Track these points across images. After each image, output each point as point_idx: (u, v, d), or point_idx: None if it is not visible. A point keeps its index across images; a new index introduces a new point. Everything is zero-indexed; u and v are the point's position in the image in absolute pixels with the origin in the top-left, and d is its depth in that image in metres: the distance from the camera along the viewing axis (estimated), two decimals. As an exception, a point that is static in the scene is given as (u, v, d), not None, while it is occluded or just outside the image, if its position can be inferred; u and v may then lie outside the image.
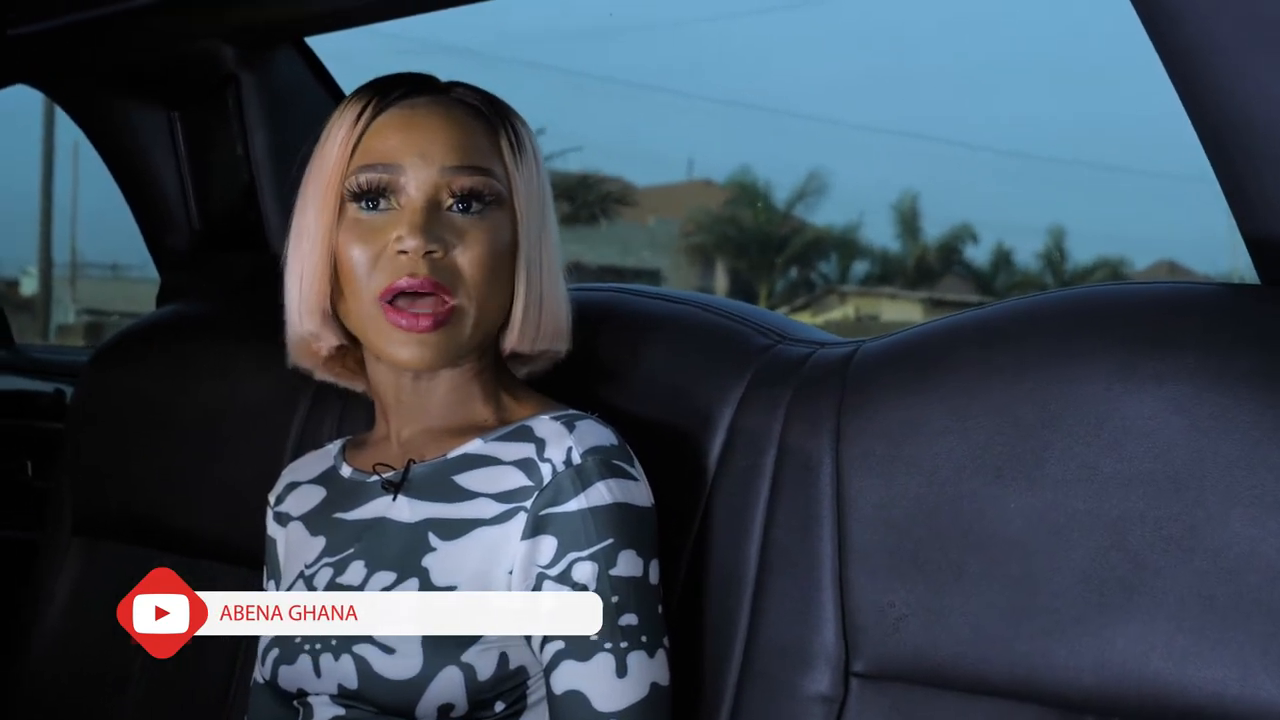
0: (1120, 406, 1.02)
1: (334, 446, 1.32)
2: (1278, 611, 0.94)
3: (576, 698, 1.09)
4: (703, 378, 1.27)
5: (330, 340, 1.21)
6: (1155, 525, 0.99)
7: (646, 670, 1.10)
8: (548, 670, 1.11)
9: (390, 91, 1.18)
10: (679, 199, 31.09)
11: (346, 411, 1.51)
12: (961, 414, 1.09)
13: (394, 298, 1.12)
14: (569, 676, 1.09)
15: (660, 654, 1.11)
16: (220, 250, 1.96)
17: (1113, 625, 1.00)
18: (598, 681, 1.09)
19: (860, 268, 30.26)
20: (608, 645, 1.09)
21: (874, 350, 1.20)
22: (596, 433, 1.14)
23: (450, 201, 1.15)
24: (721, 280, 28.03)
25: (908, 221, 29.35)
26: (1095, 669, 1.00)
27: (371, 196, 1.15)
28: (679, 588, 1.22)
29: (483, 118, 1.19)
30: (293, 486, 1.31)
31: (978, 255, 30.28)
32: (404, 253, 1.12)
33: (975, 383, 1.09)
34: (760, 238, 28.42)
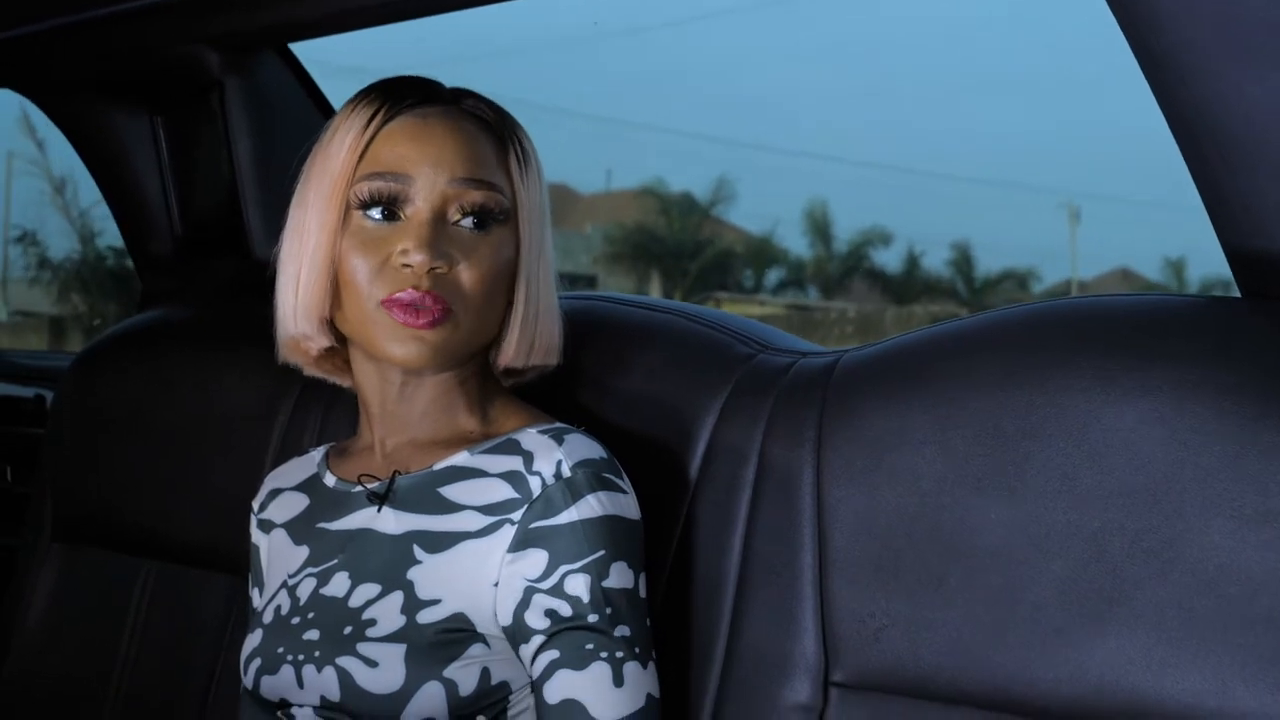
0: (1101, 418, 0.97)
1: (317, 453, 1.25)
2: (1256, 623, 0.90)
3: (574, 706, 1.02)
4: (685, 387, 1.21)
5: (322, 342, 1.14)
6: (1134, 537, 0.95)
7: (641, 681, 1.04)
8: (541, 680, 1.04)
9: (402, 98, 1.11)
10: (618, 206, 31.17)
11: (329, 417, 1.45)
12: (943, 424, 1.04)
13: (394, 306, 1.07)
14: (565, 685, 1.03)
15: (651, 666, 1.06)
16: (203, 256, 1.88)
17: (1091, 637, 0.96)
18: (595, 690, 1.02)
19: (775, 275, 30.78)
20: (604, 655, 1.03)
21: (856, 360, 1.14)
22: (585, 446, 1.08)
23: (457, 216, 1.09)
24: (656, 286, 28.23)
25: (820, 228, 29.68)
26: (1074, 680, 0.96)
27: (378, 205, 1.08)
28: (661, 598, 1.16)
29: (491, 131, 1.13)
30: (276, 493, 1.24)
31: (890, 262, 30.66)
32: (408, 266, 1.06)
33: (957, 393, 1.04)
34: (674, 247, 28.67)
